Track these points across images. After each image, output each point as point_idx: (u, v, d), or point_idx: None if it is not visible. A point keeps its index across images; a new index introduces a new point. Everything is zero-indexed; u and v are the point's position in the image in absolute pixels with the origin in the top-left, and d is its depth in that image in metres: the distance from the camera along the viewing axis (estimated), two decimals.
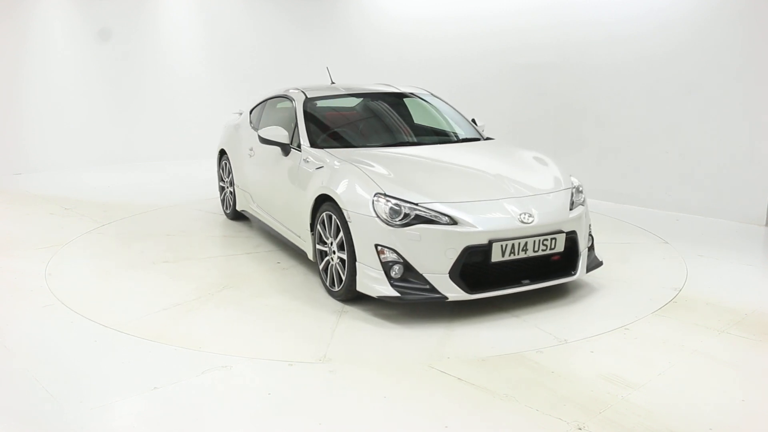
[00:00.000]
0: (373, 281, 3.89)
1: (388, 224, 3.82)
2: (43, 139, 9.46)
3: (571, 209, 4.20)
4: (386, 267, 3.83)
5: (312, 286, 4.57)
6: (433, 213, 3.82)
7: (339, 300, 4.25)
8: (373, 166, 4.29)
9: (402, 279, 3.83)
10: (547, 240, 3.95)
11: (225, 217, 6.65)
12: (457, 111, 5.68)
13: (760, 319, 4.01)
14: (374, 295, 3.91)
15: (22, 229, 6.19)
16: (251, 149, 5.75)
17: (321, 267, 4.44)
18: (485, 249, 3.78)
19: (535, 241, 3.91)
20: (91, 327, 3.86)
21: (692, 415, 2.90)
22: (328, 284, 4.36)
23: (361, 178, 4.11)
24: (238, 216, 6.37)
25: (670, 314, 4.08)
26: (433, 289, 3.79)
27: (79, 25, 9.68)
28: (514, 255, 3.87)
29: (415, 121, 5.54)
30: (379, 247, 3.84)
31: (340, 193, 4.12)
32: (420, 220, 3.81)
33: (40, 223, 6.39)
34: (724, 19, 6.53)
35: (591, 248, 4.49)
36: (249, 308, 4.22)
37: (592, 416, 2.88)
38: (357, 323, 3.93)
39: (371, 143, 5.02)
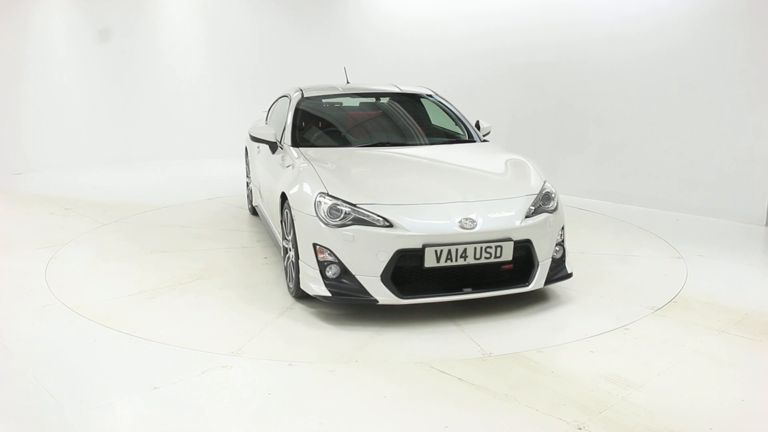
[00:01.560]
0: (311, 280, 3.93)
1: (326, 224, 3.81)
2: (43, 139, 9.46)
3: (529, 217, 3.97)
4: (322, 266, 3.85)
5: (280, 282, 4.61)
6: (370, 214, 3.79)
7: (293, 296, 4.27)
8: (332, 167, 4.33)
9: (336, 279, 3.83)
10: (490, 248, 3.78)
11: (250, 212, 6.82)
12: (458, 111, 5.61)
13: (760, 319, 4.01)
14: (311, 293, 3.94)
15: (22, 229, 6.19)
16: (258, 147, 5.83)
17: (284, 264, 4.50)
18: (419, 253, 3.70)
19: (476, 248, 3.75)
20: (91, 327, 3.86)
21: (692, 415, 2.91)
22: (287, 280, 4.41)
23: (312, 177, 4.14)
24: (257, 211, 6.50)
25: (670, 314, 4.08)
26: (364, 291, 3.76)
27: (79, 25, 9.68)
28: (452, 261, 3.74)
29: (410, 122, 5.53)
30: (318, 247, 3.85)
31: (291, 192, 4.20)
32: (357, 221, 3.78)
33: (40, 223, 6.39)
34: (724, 19, 6.54)
35: (561, 259, 4.24)
36: (203, 299, 4.35)
37: (592, 416, 2.88)
38: (291, 322, 3.95)
39: (351, 143, 5.08)
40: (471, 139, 5.29)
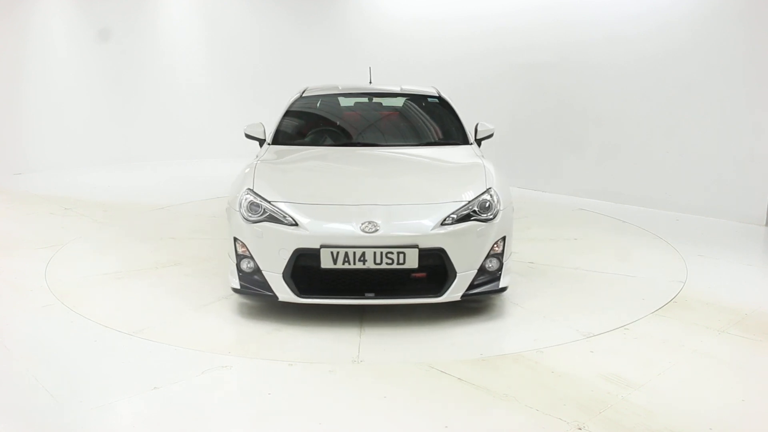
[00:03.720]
0: (230, 272, 4.03)
1: (245, 219, 3.90)
2: (43, 139, 9.46)
3: (447, 224, 3.77)
4: (238, 259, 3.94)
5: None
6: (281, 213, 3.84)
7: None
8: (278, 165, 4.49)
9: (250, 274, 3.90)
10: (392, 253, 3.65)
11: None
12: (453, 112, 5.41)
13: (760, 319, 4.01)
14: (230, 285, 4.04)
15: (22, 229, 6.19)
16: None
17: None
18: (316, 253, 3.69)
19: (375, 253, 3.65)
20: (91, 327, 3.86)
21: (692, 415, 2.90)
22: None
23: (249, 175, 4.23)
24: None
25: (670, 314, 4.08)
26: (267, 287, 3.83)
27: (79, 25, 9.68)
28: (350, 264, 3.67)
29: (396, 123, 5.50)
30: (237, 241, 3.94)
31: (231, 188, 4.28)
32: (270, 218, 3.84)
33: (40, 223, 6.39)
34: (724, 19, 6.54)
35: (494, 272, 3.93)
36: (159, 283, 4.60)
37: (592, 416, 2.88)
38: (210, 311, 4.11)
39: (325, 142, 5.15)
40: (457, 141, 5.12)
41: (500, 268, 3.97)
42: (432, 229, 3.74)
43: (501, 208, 3.97)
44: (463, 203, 3.91)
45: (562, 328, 3.85)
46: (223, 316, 4.05)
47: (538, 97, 8.27)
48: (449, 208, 3.86)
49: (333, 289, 3.84)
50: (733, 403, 3.04)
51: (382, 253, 3.67)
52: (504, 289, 4.02)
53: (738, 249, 5.59)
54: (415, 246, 3.69)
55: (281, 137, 5.15)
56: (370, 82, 6.26)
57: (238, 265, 3.94)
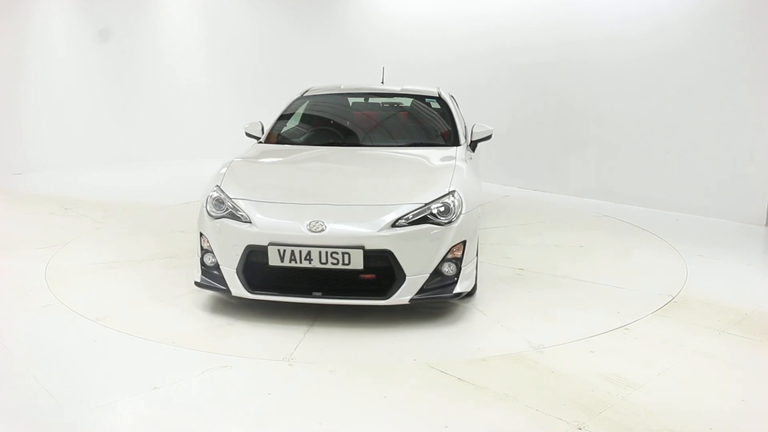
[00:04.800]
0: (195, 266, 4.11)
1: (209, 215, 3.98)
2: (43, 139, 9.46)
3: (398, 226, 3.71)
4: (202, 254, 4.04)
5: None
6: (240, 210, 3.91)
7: None
8: (253, 163, 4.63)
9: (210, 268, 3.99)
10: (336, 253, 3.65)
11: None
12: (450, 113, 5.35)
13: (760, 319, 4.02)
14: (193, 279, 4.13)
15: (22, 229, 6.19)
16: None
17: None
18: (264, 251, 3.73)
19: (320, 252, 3.66)
20: (91, 327, 3.86)
21: (692, 415, 2.91)
22: None
23: (221, 172, 4.33)
24: None
25: (670, 314, 4.08)
26: (223, 282, 3.91)
27: (79, 25, 9.68)
28: (296, 263, 3.69)
29: (388, 123, 5.49)
30: (203, 237, 4.03)
31: (207, 183, 4.35)
32: (230, 215, 3.91)
33: (40, 223, 6.39)
34: (724, 19, 6.54)
35: (452, 276, 3.83)
36: (141, 274, 4.77)
37: (592, 416, 2.88)
38: (175, 303, 4.21)
39: (311, 142, 5.24)
40: (446, 143, 5.03)
41: (458, 273, 3.86)
42: (379, 231, 3.70)
43: (463, 212, 3.87)
44: (420, 205, 3.83)
45: (514, 337, 3.72)
46: (185, 308, 4.14)
47: (538, 97, 8.26)
48: (404, 210, 3.79)
49: (284, 286, 3.86)
50: (733, 403, 3.04)
51: (327, 252, 3.68)
52: (459, 294, 3.86)
53: (738, 249, 5.59)
54: (361, 247, 3.66)
55: (271, 136, 5.25)
56: (382, 82, 6.27)
57: (201, 260, 4.04)
